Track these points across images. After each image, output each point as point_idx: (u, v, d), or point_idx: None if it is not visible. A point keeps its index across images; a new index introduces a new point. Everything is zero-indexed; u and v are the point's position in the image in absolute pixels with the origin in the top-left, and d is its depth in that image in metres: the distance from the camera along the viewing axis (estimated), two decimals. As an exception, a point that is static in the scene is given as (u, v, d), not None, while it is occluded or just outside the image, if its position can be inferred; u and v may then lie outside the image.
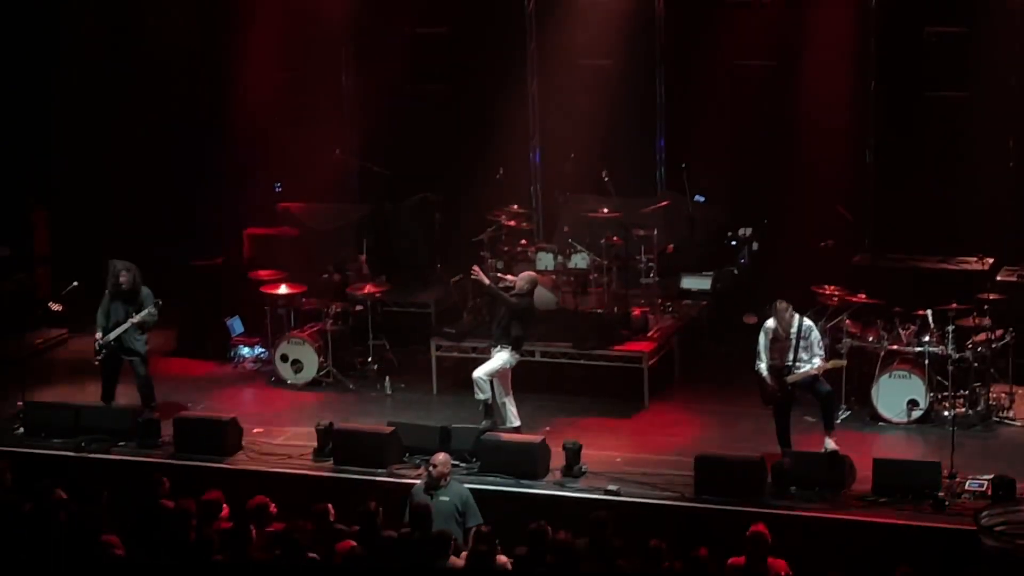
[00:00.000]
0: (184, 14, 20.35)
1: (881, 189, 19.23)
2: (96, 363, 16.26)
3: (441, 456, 13.31)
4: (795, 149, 18.92)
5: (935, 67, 18.80)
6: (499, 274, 16.93)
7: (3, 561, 11.13)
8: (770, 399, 14.77)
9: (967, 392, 15.71)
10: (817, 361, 14.54)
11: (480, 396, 15.40)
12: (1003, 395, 15.92)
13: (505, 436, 15.05)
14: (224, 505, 12.57)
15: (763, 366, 14.70)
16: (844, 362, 15.19)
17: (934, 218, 18.52)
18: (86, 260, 18.61)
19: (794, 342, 14.53)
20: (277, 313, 17.85)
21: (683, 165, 19.34)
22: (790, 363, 14.55)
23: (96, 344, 16.14)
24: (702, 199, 19.48)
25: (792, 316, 14.60)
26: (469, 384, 15.55)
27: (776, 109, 19.26)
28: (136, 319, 15.91)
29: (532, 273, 16.12)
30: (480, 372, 15.44)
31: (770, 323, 14.72)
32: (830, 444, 14.57)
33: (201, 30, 20.43)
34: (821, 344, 14.74)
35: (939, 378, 15.70)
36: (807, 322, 14.70)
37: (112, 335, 16.00)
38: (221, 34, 20.52)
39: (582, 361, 16.84)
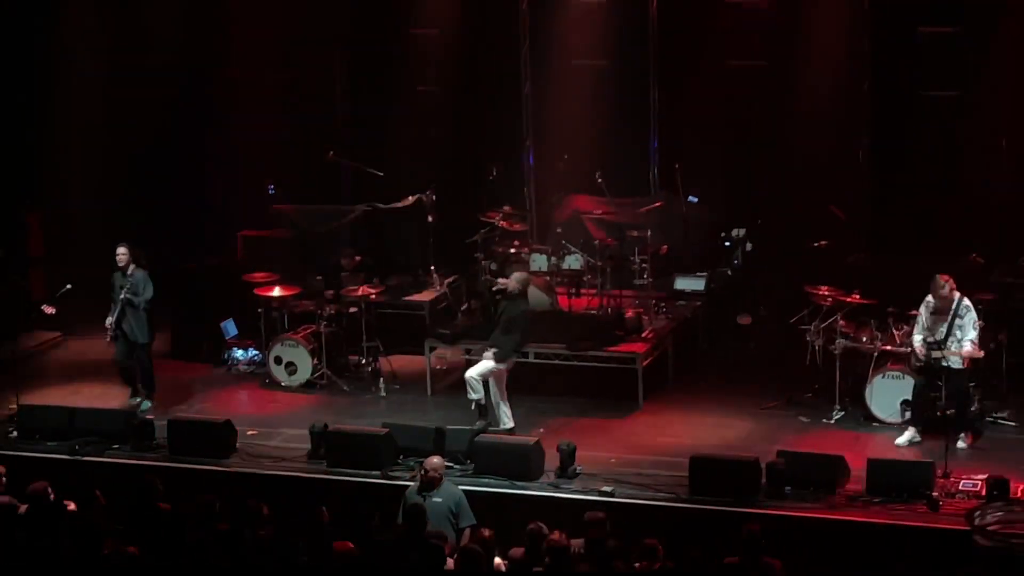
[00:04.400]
0: (176, 14, 20.31)
1: (875, 189, 19.22)
2: (108, 341, 16.79)
3: (435, 459, 13.28)
4: (789, 149, 18.93)
5: (928, 67, 18.81)
6: (491, 276, 16.91)
7: None
8: (917, 369, 14.93)
9: (961, 392, 15.71)
10: (968, 345, 14.60)
11: (472, 396, 15.41)
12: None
13: (499, 437, 15.04)
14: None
15: (918, 338, 14.87)
16: (981, 354, 14.92)
17: (928, 218, 18.52)
18: (80, 263, 18.61)
19: (950, 319, 14.64)
20: (271, 315, 17.84)
21: (676, 166, 19.33)
22: (942, 338, 14.66)
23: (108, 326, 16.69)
24: (695, 200, 19.47)
25: (952, 292, 14.69)
26: (463, 385, 15.54)
27: (769, 109, 19.27)
28: (122, 295, 16.32)
29: (524, 273, 16.12)
30: (472, 372, 15.45)
31: (931, 297, 14.83)
32: (961, 444, 14.78)
33: (194, 31, 20.39)
34: (976, 327, 14.74)
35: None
36: (966, 301, 14.78)
37: (111, 318, 16.49)
38: (214, 35, 20.49)
39: (576, 362, 16.82)
